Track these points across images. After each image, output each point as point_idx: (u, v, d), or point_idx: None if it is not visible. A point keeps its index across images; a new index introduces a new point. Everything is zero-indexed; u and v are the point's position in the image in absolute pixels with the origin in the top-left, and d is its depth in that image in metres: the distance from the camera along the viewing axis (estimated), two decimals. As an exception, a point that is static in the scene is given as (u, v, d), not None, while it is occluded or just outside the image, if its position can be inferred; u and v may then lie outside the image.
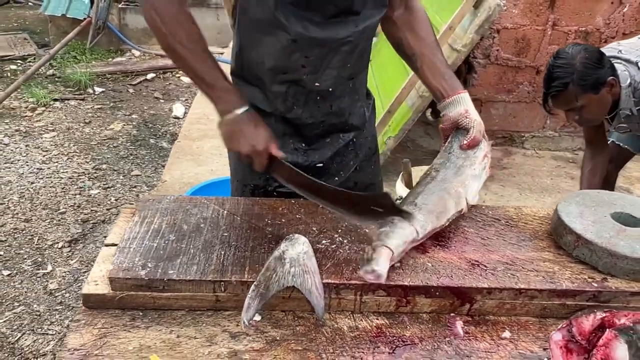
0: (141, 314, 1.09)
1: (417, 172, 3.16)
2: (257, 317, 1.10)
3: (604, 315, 1.05)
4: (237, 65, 1.48)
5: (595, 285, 1.15)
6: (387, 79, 3.75)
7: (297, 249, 1.14)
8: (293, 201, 1.38)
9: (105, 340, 1.02)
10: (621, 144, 2.62)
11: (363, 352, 1.03)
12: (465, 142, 1.37)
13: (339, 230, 1.27)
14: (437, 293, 1.12)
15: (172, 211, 1.30)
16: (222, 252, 1.17)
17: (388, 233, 1.15)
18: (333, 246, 1.21)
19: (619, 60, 2.17)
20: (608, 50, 2.26)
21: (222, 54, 5.68)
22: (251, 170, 1.55)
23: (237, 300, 1.09)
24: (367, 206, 1.20)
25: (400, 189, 2.91)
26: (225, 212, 1.31)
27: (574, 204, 1.31)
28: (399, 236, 1.15)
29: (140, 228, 1.23)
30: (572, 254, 1.23)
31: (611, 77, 2.08)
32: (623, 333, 0.98)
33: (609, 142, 2.59)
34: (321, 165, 1.52)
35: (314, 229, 1.27)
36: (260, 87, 1.43)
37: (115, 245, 1.19)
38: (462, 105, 1.39)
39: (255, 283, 1.07)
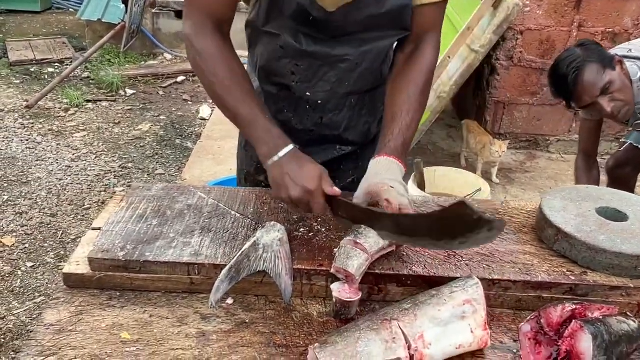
0: (118, 294, 1.13)
1: (429, 172, 3.16)
2: (230, 301, 1.12)
3: (574, 307, 1.03)
4: (248, 62, 1.48)
5: (573, 278, 1.13)
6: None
7: (272, 236, 1.16)
8: (278, 191, 1.40)
9: (80, 317, 1.06)
10: (639, 146, 2.54)
11: (329, 337, 1.04)
12: None
13: (319, 219, 1.28)
14: (409, 282, 1.12)
15: (159, 198, 1.34)
16: (201, 238, 1.19)
17: (367, 234, 1.12)
18: (310, 234, 1.23)
19: (628, 59, 2.11)
20: (619, 50, 2.22)
21: (250, 57, 5.75)
22: (246, 156, 1.56)
23: (211, 284, 1.11)
24: (448, 223, 0.94)
25: (412, 190, 2.90)
26: (211, 200, 1.34)
27: (559, 198, 1.29)
28: (376, 237, 1.11)
29: (125, 213, 1.27)
30: (553, 247, 1.21)
31: (616, 54, 2.04)
32: (589, 324, 0.96)
33: (626, 144, 2.52)
34: None
35: (295, 217, 1.29)
36: (259, 85, 1.43)
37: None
38: None
39: (227, 267, 1.10)
